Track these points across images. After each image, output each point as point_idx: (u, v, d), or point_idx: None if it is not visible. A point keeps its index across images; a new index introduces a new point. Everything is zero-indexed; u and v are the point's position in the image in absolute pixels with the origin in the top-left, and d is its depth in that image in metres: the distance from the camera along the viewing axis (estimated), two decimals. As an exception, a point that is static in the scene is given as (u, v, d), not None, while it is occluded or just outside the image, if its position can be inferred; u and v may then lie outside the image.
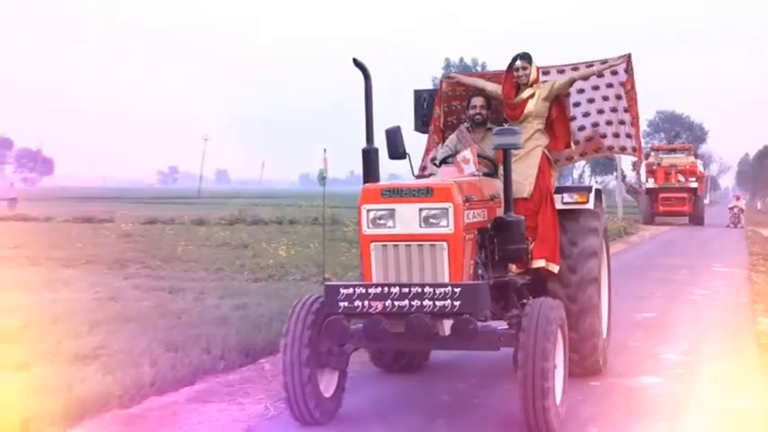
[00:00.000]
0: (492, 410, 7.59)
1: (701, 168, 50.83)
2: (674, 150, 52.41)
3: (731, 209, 48.07)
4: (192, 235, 27.37)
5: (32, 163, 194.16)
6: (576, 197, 8.44)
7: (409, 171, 8.26)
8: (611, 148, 9.23)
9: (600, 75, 8.70)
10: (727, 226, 45.17)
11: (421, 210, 6.47)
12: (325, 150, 7.56)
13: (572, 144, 8.78)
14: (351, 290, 6.42)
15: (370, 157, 7.38)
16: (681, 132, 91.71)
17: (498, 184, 7.67)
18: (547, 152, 8.39)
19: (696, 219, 47.01)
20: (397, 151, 7.72)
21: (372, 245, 6.66)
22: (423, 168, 9.03)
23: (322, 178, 7.26)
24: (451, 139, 8.70)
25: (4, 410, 6.53)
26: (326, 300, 6.58)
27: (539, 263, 7.96)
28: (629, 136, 8.94)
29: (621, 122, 8.90)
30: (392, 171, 7.34)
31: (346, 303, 6.40)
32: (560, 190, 8.51)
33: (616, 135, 8.97)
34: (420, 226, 6.49)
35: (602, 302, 8.83)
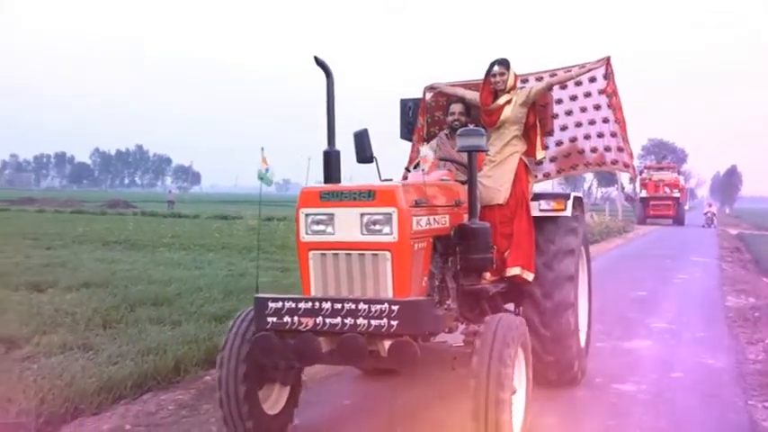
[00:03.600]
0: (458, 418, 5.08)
1: (682, 182, 50.33)
2: (661, 168, 51.72)
3: (705, 213, 47.81)
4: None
5: (185, 175, 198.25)
6: (553, 204, 6.38)
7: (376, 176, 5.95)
8: (587, 165, 6.97)
9: (578, 83, 6.70)
10: (703, 226, 44.40)
11: (362, 215, 4.50)
12: (263, 149, 5.48)
13: (538, 152, 6.50)
14: (280, 304, 4.51)
15: (331, 159, 5.34)
16: (667, 155, 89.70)
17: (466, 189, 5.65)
18: (524, 158, 6.37)
19: (678, 220, 46.36)
20: (364, 155, 5.62)
21: (311, 253, 4.65)
22: (404, 178, 6.46)
23: (261, 178, 5.15)
24: (431, 145, 6.53)
25: (162, 354, 6.66)
26: (255, 314, 4.67)
27: (513, 271, 5.98)
28: (608, 149, 6.78)
29: (600, 135, 6.77)
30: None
31: (275, 319, 4.52)
32: (538, 197, 6.47)
33: (594, 150, 6.81)
34: (361, 233, 4.51)
35: (580, 325, 6.65)
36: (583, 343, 6.77)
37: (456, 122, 6.40)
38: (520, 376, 4.64)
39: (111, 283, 10.87)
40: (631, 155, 6.89)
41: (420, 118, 7.09)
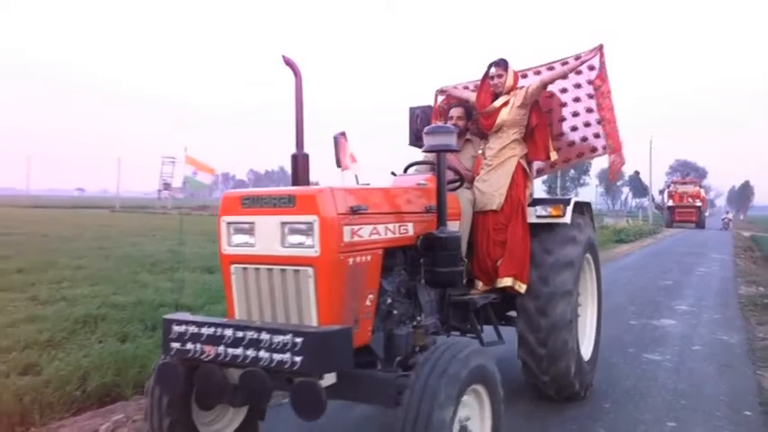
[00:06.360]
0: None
1: (703, 194, 47.80)
2: (685, 183, 49.43)
3: (723, 219, 45.37)
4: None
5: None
6: (550, 210, 4.60)
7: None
8: (580, 155, 5.11)
9: (578, 72, 4.87)
10: (720, 229, 41.92)
11: (283, 224, 3.00)
12: (185, 149, 3.98)
13: (551, 153, 4.80)
14: (183, 328, 2.93)
15: (298, 163, 3.43)
16: (690, 172, 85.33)
17: (456, 195, 4.32)
18: (523, 162, 4.66)
19: (700, 225, 44.00)
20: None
21: (232, 267, 3.17)
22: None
23: (187, 182, 3.57)
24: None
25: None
26: (163, 338, 3.02)
27: (505, 281, 4.38)
28: (597, 136, 4.96)
29: (599, 122, 4.92)
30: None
31: (179, 345, 2.93)
32: (536, 202, 4.73)
33: (597, 136, 4.98)
34: (282, 245, 3.01)
35: (585, 339, 5.05)
36: (588, 357, 4.99)
37: (455, 127, 4.54)
38: (483, 419, 3.04)
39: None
40: (619, 142, 4.95)
41: (433, 122, 5.32)
